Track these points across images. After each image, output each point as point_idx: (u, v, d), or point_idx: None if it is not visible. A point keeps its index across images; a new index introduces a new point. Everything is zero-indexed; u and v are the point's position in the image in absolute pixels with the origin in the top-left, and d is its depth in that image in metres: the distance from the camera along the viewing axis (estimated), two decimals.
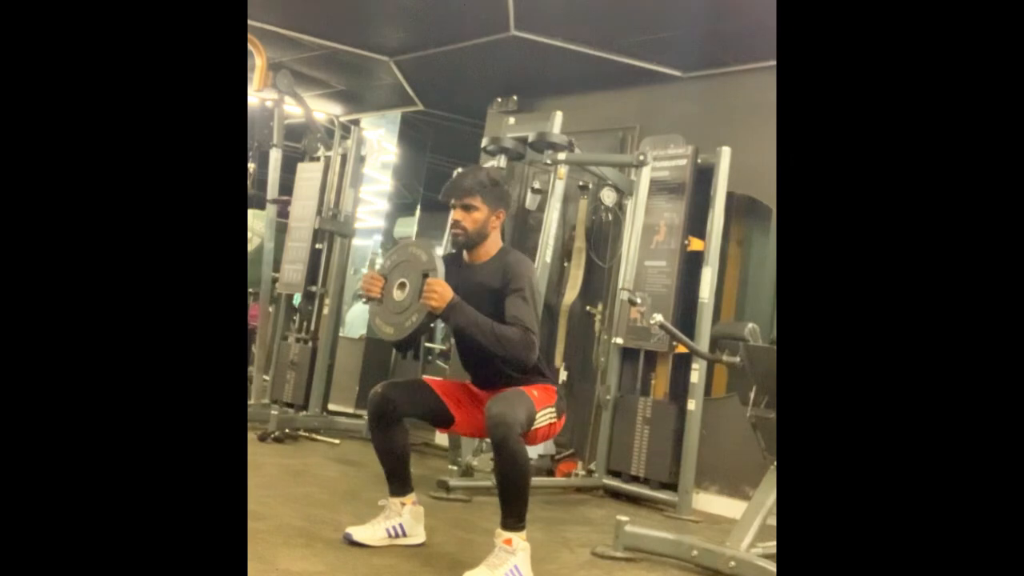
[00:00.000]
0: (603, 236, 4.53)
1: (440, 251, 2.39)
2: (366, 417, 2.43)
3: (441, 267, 2.23)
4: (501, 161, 3.96)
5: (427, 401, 2.37)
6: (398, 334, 2.26)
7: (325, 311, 4.78)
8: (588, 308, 4.46)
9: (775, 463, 2.48)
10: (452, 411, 2.37)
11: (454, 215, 2.35)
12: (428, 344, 5.34)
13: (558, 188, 3.87)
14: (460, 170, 2.48)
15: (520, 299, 2.21)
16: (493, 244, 2.38)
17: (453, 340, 2.47)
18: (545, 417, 2.22)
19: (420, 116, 6.04)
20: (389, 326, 2.28)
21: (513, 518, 2.11)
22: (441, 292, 2.15)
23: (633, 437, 3.92)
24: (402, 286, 2.28)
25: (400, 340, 2.28)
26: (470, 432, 2.52)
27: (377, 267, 2.40)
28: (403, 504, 2.37)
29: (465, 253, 2.40)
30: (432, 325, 2.49)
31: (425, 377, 2.49)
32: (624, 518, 2.62)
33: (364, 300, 2.36)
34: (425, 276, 2.20)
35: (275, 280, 5.11)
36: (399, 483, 2.38)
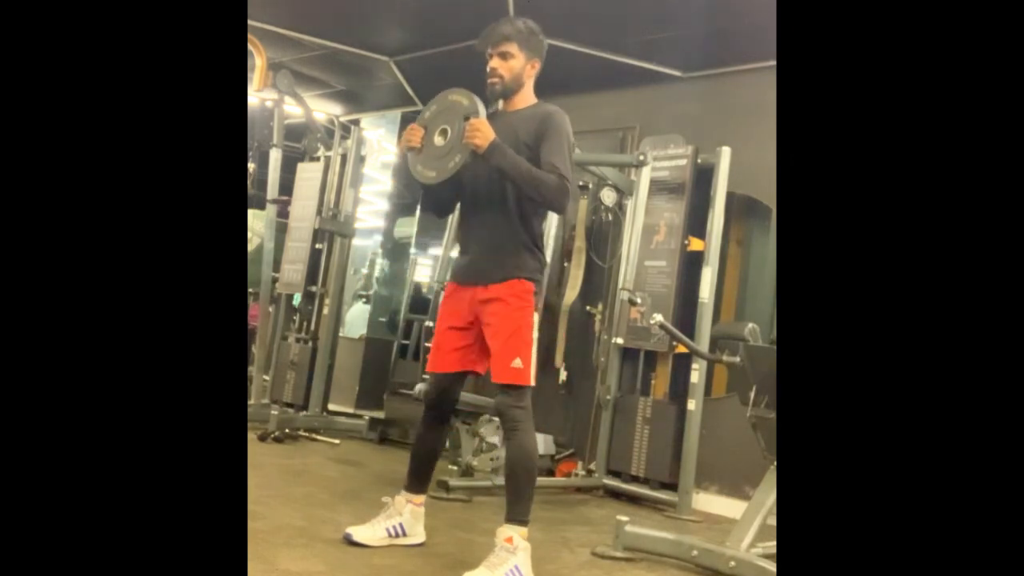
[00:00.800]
0: (603, 236, 4.53)
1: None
2: (423, 412, 2.43)
3: (483, 110, 2.22)
4: None
5: (460, 381, 2.40)
6: (440, 175, 2.24)
7: (325, 311, 4.78)
8: (588, 308, 4.46)
9: (775, 463, 2.48)
10: (474, 368, 2.38)
11: (491, 64, 2.34)
12: (428, 344, 5.33)
13: None
14: None
15: (557, 147, 2.23)
16: (528, 94, 2.38)
17: (459, 214, 2.46)
18: (533, 344, 2.27)
19: None
20: (431, 170, 2.26)
21: (518, 510, 2.14)
22: (484, 131, 2.16)
23: (633, 437, 3.91)
24: (443, 132, 2.26)
25: (443, 181, 2.25)
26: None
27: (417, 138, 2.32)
28: (411, 502, 2.38)
29: (500, 102, 2.39)
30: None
31: (432, 350, 2.45)
32: (624, 518, 2.62)
33: (404, 152, 2.33)
34: (466, 119, 2.20)
35: (275, 280, 5.11)
36: (419, 482, 2.40)
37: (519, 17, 2.44)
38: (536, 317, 2.32)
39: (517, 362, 2.20)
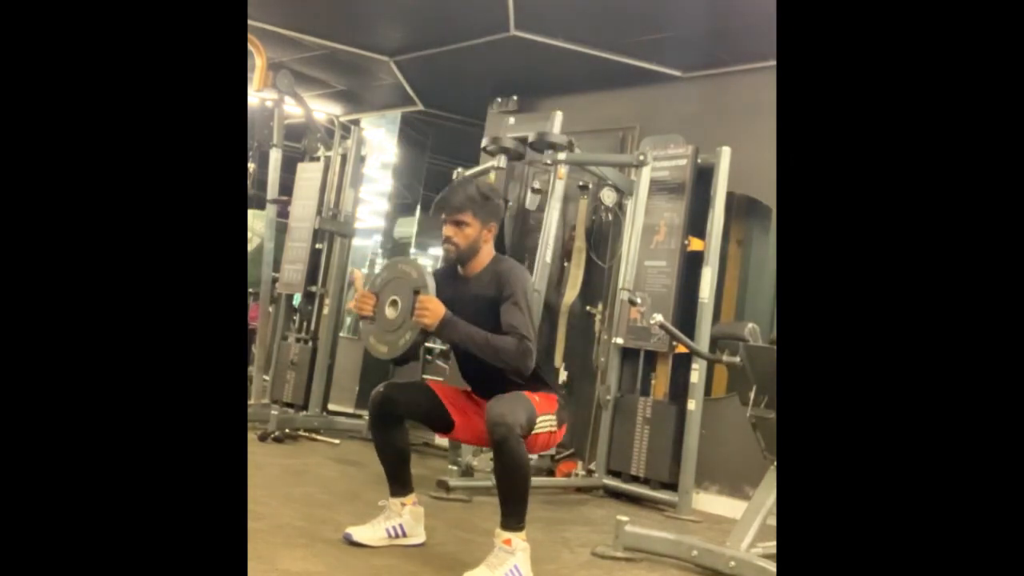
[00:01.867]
0: (603, 236, 4.53)
1: (429, 267, 2.40)
2: (367, 416, 2.43)
3: (432, 284, 2.23)
4: (501, 161, 3.96)
5: (429, 404, 2.37)
6: (392, 352, 2.26)
7: (325, 311, 4.78)
8: (588, 308, 4.46)
9: (775, 463, 2.48)
10: (453, 416, 2.37)
11: (445, 230, 2.34)
12: (428, 344, 5.34)
13: (558, 188, 3.87)
14: (458, 174, 2.46)
15: (514, 307, 2.21)
16: (486, 255, 2.38)
17: (452, 352, 2.47)
18: (545, 424, 2.21)
19: (420, 116, 6.03)
20: (383, 344, 2.29)
21: (513, 518, 2.11)
22: (433, 309, 2.16)
23: (633, 437, 3.92)
24: (394, 304, 2.27)
25: (395, 358, 2.28)
26: (469, 439, 2.51)
27: (367, 285, 2.39)
28: (403, 505, 2.37)
29: (459, 267, 2.40)
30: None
31: (427, 379, 2.48)
32: (624, 518, 2.62)
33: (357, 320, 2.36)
34: (416, 293, 2.20)
35: (275, 280, 5.11)
36: (399, 484, 2.38)
37: (473, 181, 2.45)
38: (553, 419, 2.25)
39: (526, 401, 2.17)
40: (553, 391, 2.32)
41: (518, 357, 2.16)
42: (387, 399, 2.32)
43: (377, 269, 6.45)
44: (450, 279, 2.37)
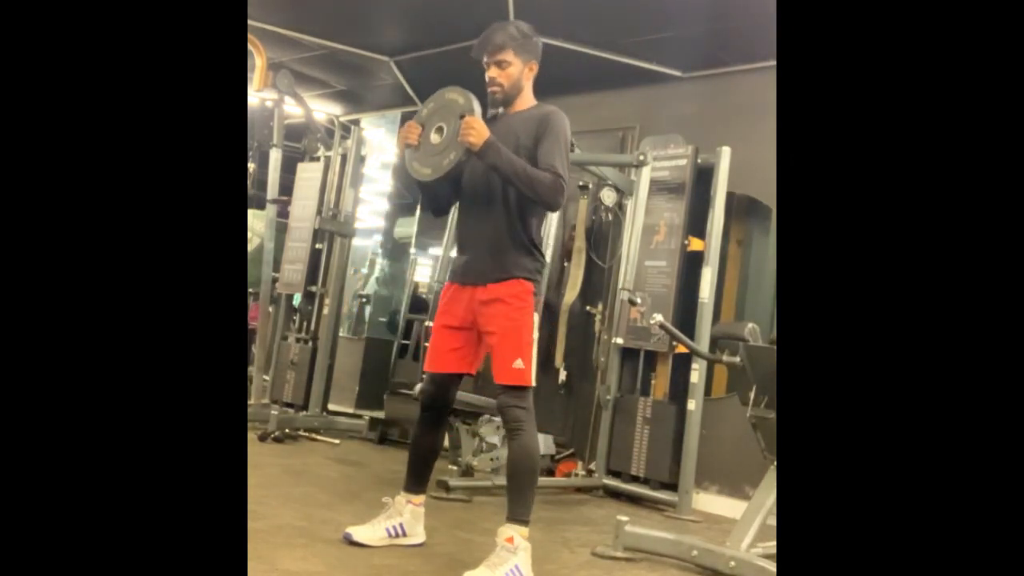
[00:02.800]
0: (603, 236, 4.53)
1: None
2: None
3: (479, 108, 2.23)
4: None
5: (458, 381, 2.42)
6: (436, 172, 2.26)
7: (325, 311, 4.78)
8: (588, 308, 4.46)
9: (775, 463, 2.48)
10: (470, 370, 2.40)
11: (489, 73, 2.35)
12: (428, 344, 5.33)
13: None
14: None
15: (554, 146, 2.24)
16: (528, 96, 2.39)
17: (458, 213, 2.47)
18: (534, 344, 2.27)
19: None
20: (427, 167, 2.28)
21: (520, 510, 2.15)
22: (479, 129, 2.17)
23: (633, 437, 3.91)
24: (439, 130, 2.28)
25: (438, 178, 2.27)
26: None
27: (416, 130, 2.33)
28: (410, 502, 2.38)
29: (501, 109, 2.41)
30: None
31: (430, 349, 2.45)
32: (624, 518, 2.62)
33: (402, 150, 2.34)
34: (462, 117, 2.21)
35: (275, 280, 5.11)
36: (418, 481, 2.40)
37: (511, 22, 2.46)
38: (536, 317, 2.32)
39: (519, 363, 2.21)
40: (536, 264, 2.32)
41: (552, 192, 2.20)
42: (441, 394, 2.38)
43: (377, 269, 6.46)
44: (489, 121, 2.34)
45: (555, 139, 2.26)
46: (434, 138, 2.29)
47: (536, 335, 2.30)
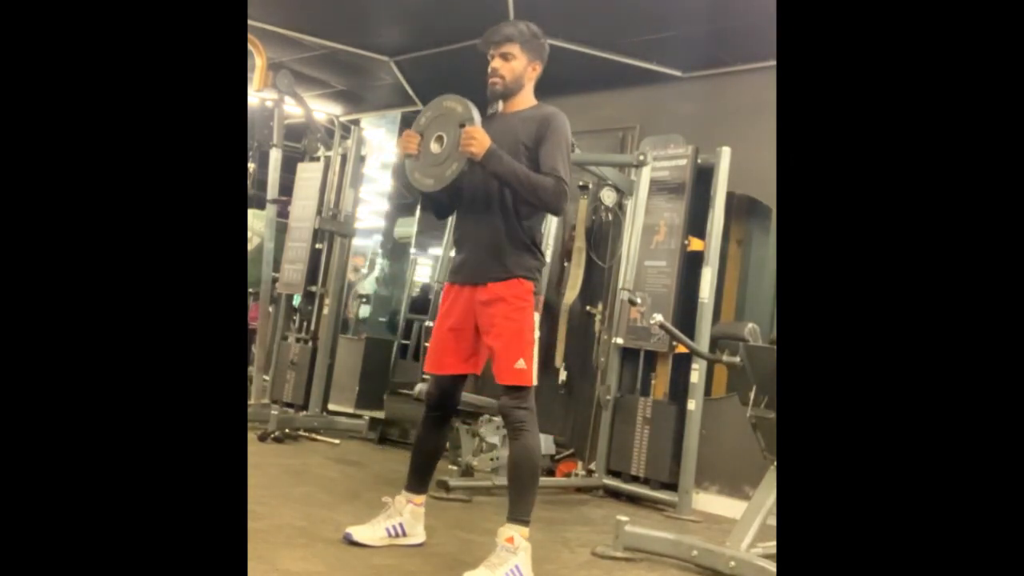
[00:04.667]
0: (603, 236, 4.53)
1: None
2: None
3: (478, 117, 2.23)
4: None
5: (462, 382, 2.43)
6: (439, 183, 2.26)
7: (325, 311, 4.78)
8: (588, 308, 4.46)
9: (775, 463, 2.48)
10: (471, 369, 2.40)
11: (492, 64, 2.35)
12: (428, 344, 5.33)
13: None
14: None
15: (555, 149, 2.24)
16: (528, 95, 2.39)
17: (458, 214, 2.46)
18: (535, 344, 2.27)
19: None
20: (429, 178, 2.28)
21: (521, 509, 2.15)
22: (480, 138, 2.17)
23: (633, 437, 3.91)
24: (439, 139, 2.28)
25: (441, 189, 2.27)
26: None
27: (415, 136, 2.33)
28: (411, 502, 2.38)
29: (500, 104, 2.41)
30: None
31: (430, 350, 2.45)
32: (624, 518, 2.62)
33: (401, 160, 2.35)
34: (462, 126, 2.21)
35: (275, 280, 5.11)
36: (420, 481, 2.41)
37: (522, 20, 2.45)
38: (536, 317, 2.32)
39: (520, 363, 2.20)
40: (535, 264, 2.32)
41: (554, 197, 2.21)
42: (445, 395, 2.38)
43: (377, 269, 6.46)
44: (487, 120, 2.35)
45: (557, 142, 2.26)
46: (434, 147, 2.28)
47: (537, 334, 2.30)
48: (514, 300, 2.25)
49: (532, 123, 2.30)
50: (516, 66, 2.34)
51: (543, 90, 2.44)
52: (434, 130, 2.30)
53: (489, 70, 2.35)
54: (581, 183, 4.46)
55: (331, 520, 2.55)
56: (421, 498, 2.40)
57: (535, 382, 2.24)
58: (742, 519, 2.50)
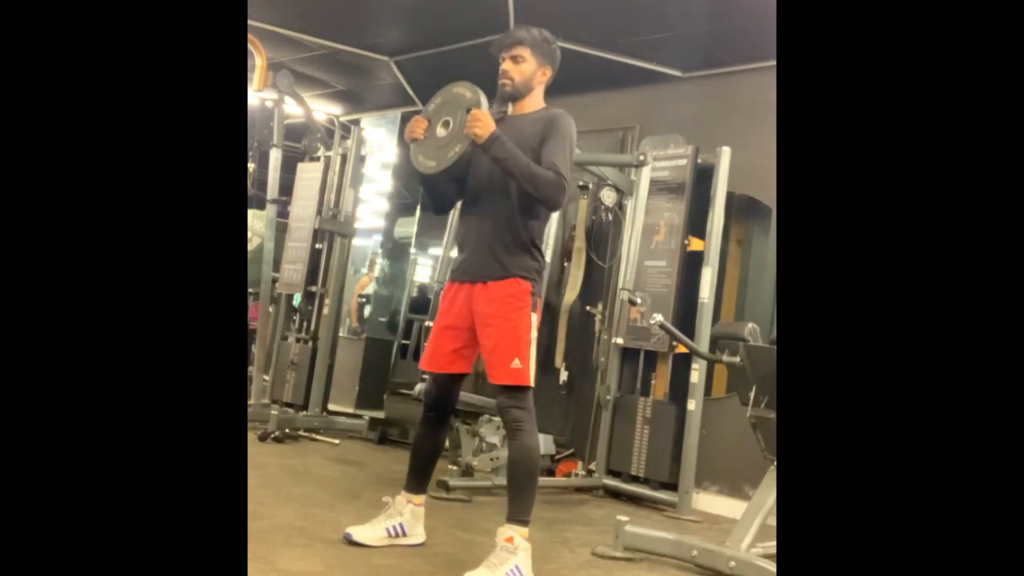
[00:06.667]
0: (603, 236, 4.52)
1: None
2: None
3: (486, 102, 2.24)
4: None
5: (460, 382, 2.43)
6: (440, 165, 2.26)
7: (325, 311, 4.78)
8: (588, 308, 4.46)
9: (775, 463, 2.48)
10: (467, 368, 2.41)
11: (503, 66, 2.37)
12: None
13: None
14: None
15: (558, 146, 2.25)
16: (537, 99, 2.41)
17: (459, 213, 2.47)
18: (533, 344, 2.27)
19: None
20: (431, 159, 2.28)
21: (520, 510, 2.15)
22: (485, 121, 2.17)
23: (633, 437, 3.92)
24: (446, 124, 2.29)
25: (442, 170, 2.27)
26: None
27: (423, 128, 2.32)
28: (411, 502, 2.38)
29: (510, 106, 2.43)
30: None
31: (428, 348, 2.45)
32: (624, 518, 2.62)
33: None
34: (468, 110, 2.22)
35: (275, 280, 5.11)
36: (419, 481, 2.41)
37: (535, 27, 2.47)
38: (535, 318, 2.32)
39: (516, 363, 2.20)
40: (534, 265, 2.32)
41: (553, 189, 2.21)
42: (444, 393, 2.38)
43: (377, 269, 6.46)
44: (497, 122, 2.34)
45: (560, 140, 2.27)
46: (440, 132, 2.29)
47: (535, 335, 2.30)
48: (510, 300, 2.25)
49: (539, 123, 2.31)
50: (526, 69, 2.36)
51: (544, 90, 2.45)
52: (442, 115, 2.31)
53: (500, 71, 2.38)
54: (581, 183, 4.46)
55: (331, 520, 2.55)
56: (421, 498, 2.40)
57: (532, 382, 2.24)
58: (742, 519, 2.50)
